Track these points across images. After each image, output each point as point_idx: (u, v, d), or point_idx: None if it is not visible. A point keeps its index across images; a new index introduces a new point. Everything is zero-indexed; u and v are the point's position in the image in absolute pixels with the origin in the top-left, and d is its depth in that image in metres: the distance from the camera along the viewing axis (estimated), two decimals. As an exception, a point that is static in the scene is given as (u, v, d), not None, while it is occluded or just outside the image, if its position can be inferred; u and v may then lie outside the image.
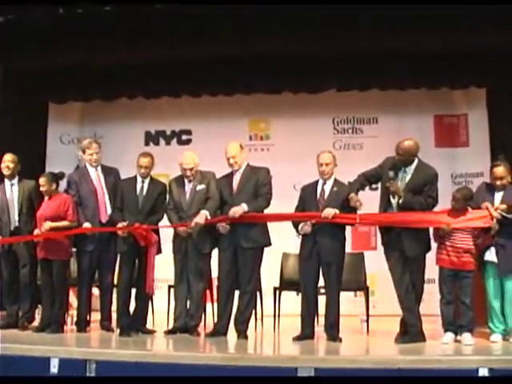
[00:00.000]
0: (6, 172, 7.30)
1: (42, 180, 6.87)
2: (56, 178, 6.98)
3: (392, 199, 6.27)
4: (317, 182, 6.66)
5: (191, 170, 6.86)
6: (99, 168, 7.20)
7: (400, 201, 6.19)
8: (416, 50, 8.33)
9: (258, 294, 7.02)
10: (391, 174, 6.25)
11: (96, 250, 6.99)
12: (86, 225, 6.91)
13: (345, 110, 9.94)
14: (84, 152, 7.19)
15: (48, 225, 6.77)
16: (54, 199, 6.86)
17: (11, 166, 7.27)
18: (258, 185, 6.67)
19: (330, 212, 6.30)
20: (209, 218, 6.66)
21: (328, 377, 5.08)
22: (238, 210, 6.50)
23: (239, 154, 6.73)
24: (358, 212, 6.33)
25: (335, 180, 6.59)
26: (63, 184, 7.20)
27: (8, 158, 7.30)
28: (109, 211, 7.06)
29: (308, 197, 6.64)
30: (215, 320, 6.96)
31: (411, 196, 6.20)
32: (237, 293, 6.74)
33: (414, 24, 7.83)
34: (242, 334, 6.55)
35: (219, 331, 6.62)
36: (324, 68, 9.04)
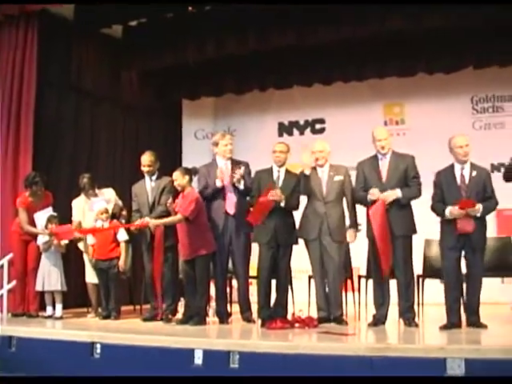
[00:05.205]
0: (145, 171, 7.53)
1: (175, 174, 6.95)
2: (189, 172, 7.05)
3: None
4: (452, 166, 6.36)
5: (321, 152, 6.82)
6: (229, 161, 7.19)
7: None
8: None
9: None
10: None
11: (227, 241, 7.00)
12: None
13: (483, 87, 9.53)
14: (217, 145, 7.20)
15: (152, 223, 7.08)
16: (187, 194, 6.87)
17: (150, 166, 7.49)
18: (408, 174, 6.53)
19: None
20: None
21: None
22: (391, 195, 6.39)
23: (388, 139, 6.61)
24: None
25: (471, 164, 6.29)
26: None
27: (145, 158, 7.52)
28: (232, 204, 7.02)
29: (447, 183, 6.34)
30: (356, 309, 6.84)
31: None
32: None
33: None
34: (411, 321, 6.42)
35: (380, 320, 6.52)
36: (459, 45, 8.69)
